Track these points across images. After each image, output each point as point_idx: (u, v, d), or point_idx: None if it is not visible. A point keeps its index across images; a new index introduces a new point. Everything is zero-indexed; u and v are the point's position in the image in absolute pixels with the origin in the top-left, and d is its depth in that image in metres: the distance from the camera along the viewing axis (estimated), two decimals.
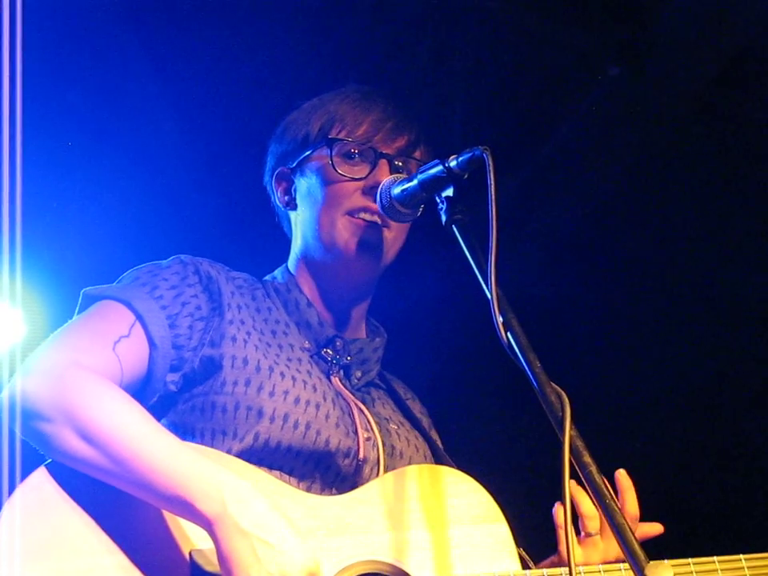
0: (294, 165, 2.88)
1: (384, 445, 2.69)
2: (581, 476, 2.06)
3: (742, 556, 2.55)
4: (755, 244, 4.57)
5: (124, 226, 4.25)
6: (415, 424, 2.88)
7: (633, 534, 1.97)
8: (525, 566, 2.52)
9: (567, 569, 2.42)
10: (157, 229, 4.24)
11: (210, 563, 2.26)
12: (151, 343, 2.56)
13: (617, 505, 2.01)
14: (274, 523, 2.21)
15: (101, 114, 4.15)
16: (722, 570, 2.52)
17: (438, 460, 2.81)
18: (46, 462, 2.34)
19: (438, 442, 2.96)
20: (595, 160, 4.58)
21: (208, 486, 2.21)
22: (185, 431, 2.59)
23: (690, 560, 2.53)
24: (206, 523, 2.20)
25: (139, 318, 2.56)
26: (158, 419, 2.62)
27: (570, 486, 2.42)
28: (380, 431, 2.71)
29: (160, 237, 4.20)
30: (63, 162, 4.17)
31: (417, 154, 2.83)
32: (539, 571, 2.46)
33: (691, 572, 2.51)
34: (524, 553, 2.59)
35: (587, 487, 2.05)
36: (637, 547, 1.96)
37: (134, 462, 2.24)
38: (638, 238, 4.62)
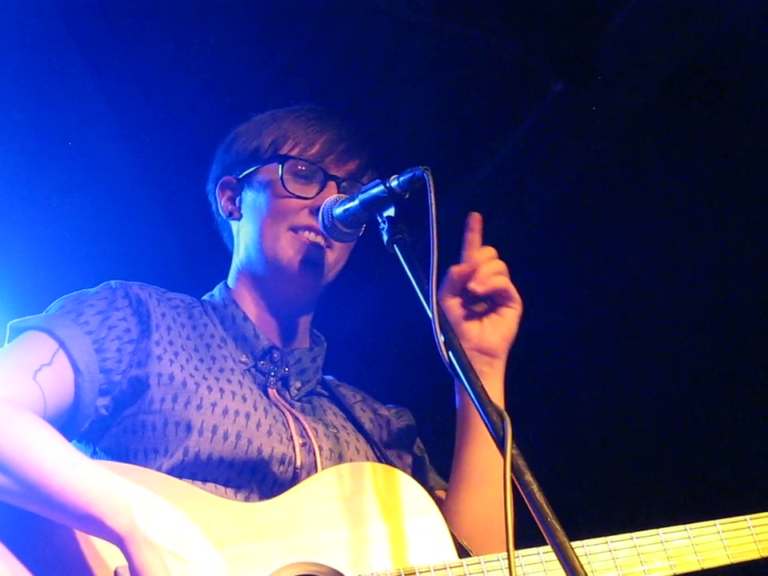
0: (242, 176, 2.89)
1: (321, 449, 2.68)
2: (522, 494, 2.07)
3: (659, 530, 2.58)
4: (699, 255, 4.63)
5: (58, 252, 4.19)
6: (359, 427, 2.86)
7: (574, 553, 1.99)
8: (462, 555, 2.52)
9: (503, 555, 2.43)
10: (94, 253, 4.19)
11: None
12: (76, 369, 2.54)
13: (558, 523, 2.02)
14: (183, 535, 2.19)
15: (37, 131, 4.10)
16: (639, 545, 2.55)
17: (380, 461, 2.78)
18: None
19: (414, 451, 2.95)
20: (538, 175, 4.62)
21: (117, 501, 2.19)
22: (119, 454, 2.57)
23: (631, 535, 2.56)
24: (118, 539, 2.18)
25: (62, 345, 2.54)
26: (93, 445, 2.62)
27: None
28: (316, 436, 2.70)
29: (97, 261, 4.15)
30: None
31: (364, 180, 2.83)
32: (475, 558, 2.46)
33: (609, 550, 2.53)
34: (463, 541, 2.59)
35: (528, 505, 2.06)
36: (578, 565, 1.97)
37: (45, 484, 2.22)
38: (582, 254, 4.66)
